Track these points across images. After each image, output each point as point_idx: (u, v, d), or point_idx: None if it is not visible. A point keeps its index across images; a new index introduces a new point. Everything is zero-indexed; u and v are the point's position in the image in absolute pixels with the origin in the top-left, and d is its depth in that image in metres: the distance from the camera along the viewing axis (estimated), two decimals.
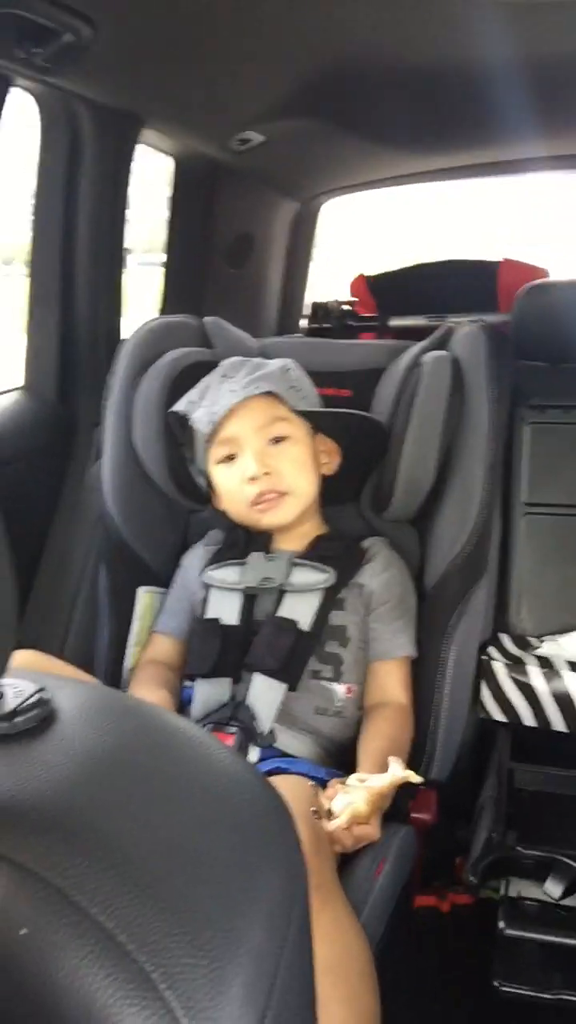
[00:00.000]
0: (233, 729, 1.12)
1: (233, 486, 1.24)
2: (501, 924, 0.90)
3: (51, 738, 0.47)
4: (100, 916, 0.38)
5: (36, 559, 1.53)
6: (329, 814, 0.96)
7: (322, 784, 1.04)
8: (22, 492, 1.51)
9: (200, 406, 1.25)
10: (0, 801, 0.42)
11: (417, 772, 1.17)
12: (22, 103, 1.38)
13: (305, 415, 1.26)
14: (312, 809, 0.95)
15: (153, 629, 1.33)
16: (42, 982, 0.37)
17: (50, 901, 0.38)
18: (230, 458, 1.24)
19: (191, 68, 1.35)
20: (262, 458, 1.21)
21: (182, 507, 1.41)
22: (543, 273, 1.94)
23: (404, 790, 1.12)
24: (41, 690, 0.50)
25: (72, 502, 1.56)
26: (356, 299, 2.03)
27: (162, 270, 1.94)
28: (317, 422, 1.28)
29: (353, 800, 0.94)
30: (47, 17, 1.01)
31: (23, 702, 0.49)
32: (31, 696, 0.50)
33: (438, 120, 1.85)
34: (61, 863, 0.39)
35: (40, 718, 0.49)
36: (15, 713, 0.48)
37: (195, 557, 1.34)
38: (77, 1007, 0.37)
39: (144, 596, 1.36)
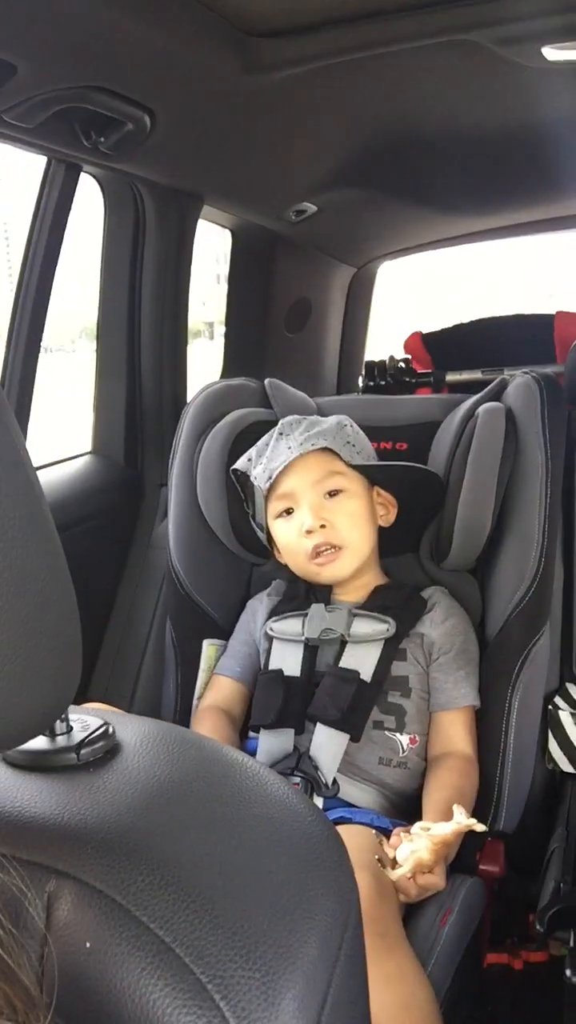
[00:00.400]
0: (296, 779, 1.14)
1: (292, 539, 1.27)
2: (568, 972, 0.88)
3: (115, 768, 0.50)
4: (159, 930, 0.40)
5: (106, 615, 1.58)
6: (393, 863, 0.96)
7: (386, 834, 1.04)
8: (92, 550, 1.57)
9: (259, 463, 1.29)
10: (68, 825, 0.45)
11: (484, 823, 1.17)
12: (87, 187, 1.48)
13: (361, 469, 1.29)
14: (376, 858, 0.95)
15: (215, 671, 1.35)
16: (104, 991, 0.40)
17: (113, 916, 0.41)
18: (288, 512, 1.28)
19: (246, 148, 1.43)
20: (318, 511, 1.24)
21: (245, 562, 1.45)
22: None
23: (471, 842, 1.12)
24: (106, 724, 0.54)
25: (140, 560, 1.62)
26: (410, 356, 2.07)
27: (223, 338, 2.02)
28: (373, 475, 1.31)
29: (417, 848, 0.94)
30: (109, 109, 1.09)
31: (89, 735, 0.52)
32: (96, 730, 0.53)
33: (488, 182, 1.91)
34: (123, 881, 0.42)
35: (105, 750, 0.52)
36: (82, 745, 0.52)
37: (259, 604, 1.36)
38: (136, 1014, 0.39)
39: (209, 648, 1.39)
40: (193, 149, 1.37)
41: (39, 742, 0.52)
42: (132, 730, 0.55)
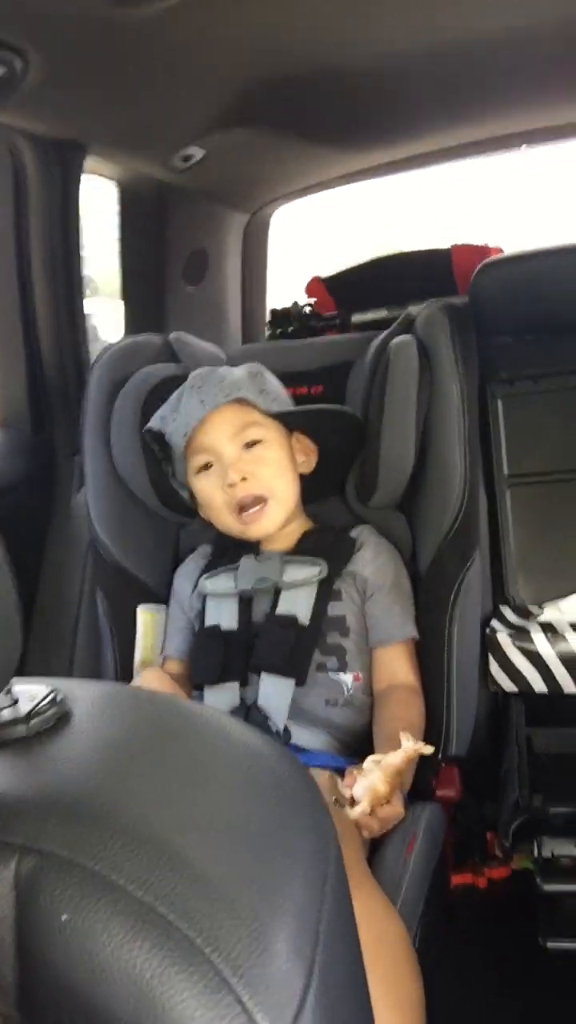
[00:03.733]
0: None
1: (214, 495, 1.24)
2: (539, 881, 0.90)
3: (69, 734, 0.48)
4: (138, 892, 0.38)
5: (32, 592, 1.53)
6: (351, 801, 0.97)
7: (341, 774, 1.04)
8: (8, 526, 1.51)
9: (173, 420, 1.26)
10: (27, 798, 0.43)
11: (436, 751, 1.18)
12: None
13: (277, 416, 1.27)
14: (333, 799, 0.95)
15: (163, 655, 1.33)
16: (87, 962, 0.38)
17: (87, 884, 0.39)
18: (207, 467, 1.25)
19: (127, 90, 1.37)
20: (238, 464, 1.22)
21: (171, 523, 1.41)
22: (496, 252, 1.97)
23: (426, 769, 1.13)
24: (53, 691, 0.51)
25: (61, 532, 1.57)
26: (314, 300, 2.05)
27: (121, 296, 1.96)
28: (290, 422, 1.29)
29: (371, 782, 0.94)
30: None
31: (36, 705, 0.50)
32: (44, 698, 0.50)
33: (379, 114, 1.88)
34: (94, 847, 0.40)
35: (55, 717, 0.49)
36: (30, 716, 0.49)
37: (186, 573, 1.34)
38: (124, 980, 0.37)
39: (144, 614, 1.36)
40: (72, 94, 1.30)
41: None
42: (81, 694, 0.52)
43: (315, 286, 2.13)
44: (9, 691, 0.50)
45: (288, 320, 1.95)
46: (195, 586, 1.30)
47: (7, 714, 0.49)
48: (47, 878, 0.39)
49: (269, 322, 2.01)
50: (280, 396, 1.32)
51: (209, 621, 1.24)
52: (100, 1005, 0.37)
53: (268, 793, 0.46)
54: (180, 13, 1.14)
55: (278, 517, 1.24)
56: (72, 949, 0.38)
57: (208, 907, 0.38)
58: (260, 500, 1.22)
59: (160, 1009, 0.36)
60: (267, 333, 2.02)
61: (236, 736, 0.50)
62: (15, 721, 0.48)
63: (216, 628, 1.23)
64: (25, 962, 0.39)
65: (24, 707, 0.50)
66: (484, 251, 1.97)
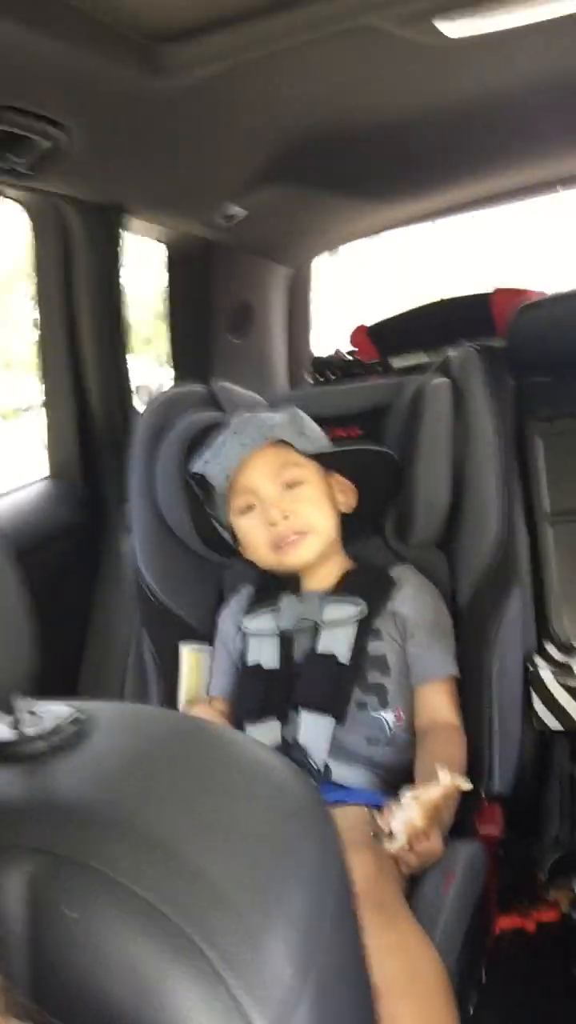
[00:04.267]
0: None
1: (255, 533, 1.27)
2: (572, 913, 0.89)
3: (86, 749, 0.51)
4: (144, 893, 0.41)
5: (82, 636, 1.58)
6: (390, 836, 0.97)
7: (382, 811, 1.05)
8: (60, 574, 1.56)
9: (215, 462, 1.30)
10: (43, 806, 0.46)
11: (478, 788, 1.17)
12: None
13: (315, 457, 1.30)
14: (372, 833, 0.95)
15: (209, 694, 1.35)
16: (93, 957, 0.40)
17: (95, 885, 0.41)
18: (249, 508, 1.28)
19: (164, 155, 1.45)
20: (279, 503, 1.25)
21: (214, 564, 1.45)
22: (536, 295, 1.99)
23: (468, 807, 1.13)
24: (75, 711, 0.54)
25: (110, 577, 1.61)
26: (356, 349, 2.09)
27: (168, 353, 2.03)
28: (328, 462, 1.32)
29: (409, 816, 0.94)
30: (19, 127, 1.10)
31: (57, 722, 0.53)
32: (66, 717, 0.53)
33: (411, 166, 1.93)
34: (103, 851, 0.42)
35: (75, 735, 0.52)
36: (53, 732, 0.52)
37: (229, 613, 1.37)
38: (128, 974, 0.39)
39: (187, 653, 1.38)
40: (112, 161, 1.38)
41: (8, 734, 0.52)
42: (102, 713, 0.55)
43: (359, 334, 2.18)
44: (34, 711, 0.53)
45: (330, 367, 2.00)
46: (238, 626, 1.33)
47: (31, 731, 0.52)
48: (59, 879, 0.42)
49: (311, 372, 2.06)
50: (318, 438, 1.35)
51: (251, 660, 1.27)
52: (105, 996, 0.39)
53: (273, 803, 0.48)
54: (209, 82, 1.21)
55: (315, 548, 1.26)
56: (80, 944, 0.40)
57: (206, 906, 0.40)
58: (300, 534, 1.25)
59: (159, 999, 0.38)
60: (309, 381, 2.06)
61: (245, 750, 0.52)
62: (38, 737, 0.51)
63: (258, 666, 1.25)
64: (37, 956, 0.41)
65: (48, 724, 0.52)
66: (524, 294, 2.00)
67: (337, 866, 0.47)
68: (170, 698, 1.37)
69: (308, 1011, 0.40)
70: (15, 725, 0.52)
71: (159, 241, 1.91)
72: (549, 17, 1.19)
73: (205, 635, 1.40)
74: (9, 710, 0.51)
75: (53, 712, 0.54)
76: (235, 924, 0.40)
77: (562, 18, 1.20)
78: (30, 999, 0.41)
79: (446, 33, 1.21)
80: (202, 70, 1.16)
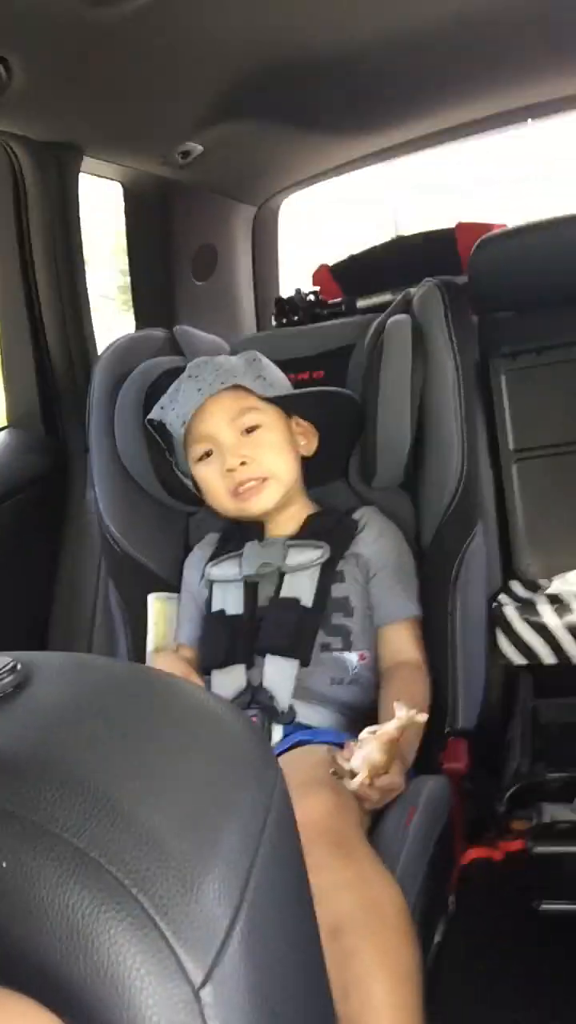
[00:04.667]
0: (254, 711, 1.15)
1: (214, 481, 1.26)
2: (530, 843, 0.91)
3: (23, 699, 0.50)
4: (73, 839, 0.40)
5: (50, 587, 1.57)
6: (351, 774, 0.98)
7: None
8: (25, 525, 1.55)
9: (172, 409, 1.28)
10: None
11: (443, 724, 1.19)
12: None
13: (275, 401, 1.29)
14: (332, 771, 0.96)
15: (176, 642, 1.35)
16: (24, 906, 0.40)
17: (25, 834, 0.41)
18: (208, 454, 1.27)
19: (118, 89, 1.39)
20: (237, 449, 1.24)
21: (179, 512, 1.44)
22: (500, 227, 1.95)
23: (433, 742, 1.14)
24: (13, 661, 0.53)
25: (75, 528, 1.60)
26: (319, 288, 2.05)
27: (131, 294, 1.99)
28: (288, 406, 1.31)
29: (368, 752, 0.95)
30: None
31: None
32: (3, 667, 0.53)
33: (374, 97, 1.88)
34: (32, 799, 0.42)
35: (13, 684, 0.52)
36: None
37: (194, 563, 1.37)
38: (58, 921, 0.39)
39: (156, 603, 1.38)
40: (60, 96, 1.32)
41: None
42: (43, 663, 0.54)
43: (321, 274, 2.14)
44: None
45: (294, 308, 1.97)
46: (203, 574, 1.33)
47: None
48: None
49: (274, 312, 2.02)
50: (278, 382, 1.33)
51: (215, 607, 1.27)
52: (35, 946, 0.39)
53: (215, 749, 0.48)
54: (160, 9, 1.16)
55: (275, 494, 1.25)
56: (11, 894, 0.40)
57: (138, 851, 0.40)
58: (259, 480, 1.24)
59: (92, 945, 0.38)
60: (272, 323, 2.03)
61: (189, 698, 0.52)
62: None
63: (222, 613, 1.25)
64: None
65: None
66: (488, 228, 1.96)
67: (276, 807, 0.47)
68: (138, 648, 1.38)
69: (239, 950, 0.40)
70: None
71: (113, 180, 1.85)
72: None
73: (172, 584, 1.40)
74: None
75: None
76: (168, 869, 0.40)
77: None
78: None
79: None
80: None
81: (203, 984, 0.38)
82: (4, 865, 0.41)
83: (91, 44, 1.23)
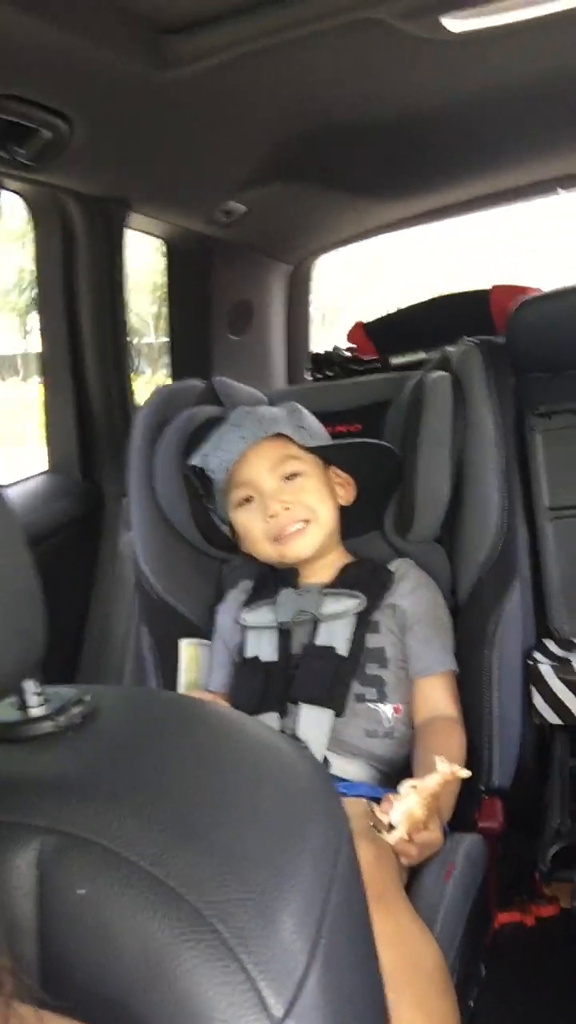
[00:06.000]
0: None
1: (254, 526, 1.27)
2: (573, 905, 0.89)
3: (94, 729, 0.50)
4: (150, 867, 0.40)
5: (80, 631, 1.57)
6: (389, 827, 0.96)
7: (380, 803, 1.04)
8: (58, 568, 1.56)
9: (214, 456, 1.30)
10: (49, 784, 0.45)
11: (479, 782, 1.18)
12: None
13: (315, 450, 1.30)
14: (371, 824, 0.95)
15: (207, 688, 1.35)
16: (102, 934, 0.40)
17: (102, 862, 0.41)
18: (248, 500, 1.28)
19: (167, 149, 1.45)
20: (278, 495, 1.25)
21: (213, 559, 1.45)
22: (534, 291, 1.99)
23: (469, 801, 1.13)
24: (80, 693, 0.54)
25: (108, 572, 1.61)
26: (354, 346, 2.09)
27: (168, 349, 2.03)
28: (328, 456, 1.32)
29: (407, 806, 0.94)
30: (23, 117, 1.10)
31: (64, 703, 0.52)
32: (71, 699, 0.53)
33: (411, 164, 1.93)
34: (109, 826, 0.42)
35: (82, 715, 0.52)
36: (59, 712, 0.51)
37: (227, 607, 1.37)
38: (136, 950, 0.39)
39: (187, 648, 1.38)
40: (114, 154, 1.37)
41: (15, 715, 0.52)
42: (108, 696, 0.55)
43: (357, 331, 2.17)
44: (40, 692, 0.53)
45: (328, 364, 2.00)
46: (236, 620, 1.33)
47: (36, 712, 0.52)
48: (66, 856, 0.42)
49: (309, 368, 2.05)
50: (318, 432, 1.35)
51: (249, 653, 1.26)
52: (115, 976, 0.39)
53: (280, 781, 0.48)
54: (213, 74, 1.21)
55: (316, 538, 1.26)
56: (88, 921, 0.40)
57: (216, 881, 0.40)
58: (302, 523, 1.25)
59: (170, 975, 0.38)
60: (308, 378, 2.06)
61: (253, 731, 0.52)
62: (45, 717, 0.51)
63: (256, 660, 1.25)
64: (46, 937, 0.41)
65: (53, 706, 0.52)
66: (523, 291, 2.00)
67: (345, 843, 0.47)
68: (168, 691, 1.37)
69: (317, 985, 0.39)
70: (21, 706, 0.52)
71: (158, 236, 1.91)
72: (552, 12, 1.19)
73: (203, 630, 1.40)
74: (18, 692, 0.50)
75: (59, 694, 0.54)
76: (247, 900, 0.40)
77: (565, 13, 1.20)
78: (38, 981, 0.41)
79: (449, 28, 1.21)
80: (207, 62, 1.16)
81: (284, 1019, 0.37)
82: (82, 892, 0.41)
83: (148, 105, 1.28)
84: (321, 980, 0.39)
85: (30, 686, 0.52)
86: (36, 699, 0.53)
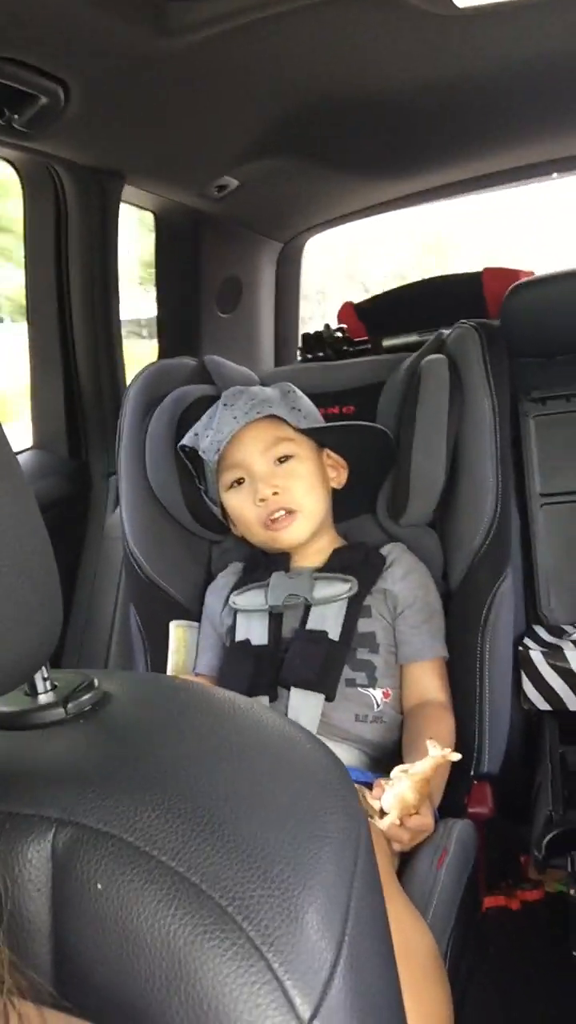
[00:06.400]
0: None
1: (245, 509, 1.26)
2: (573, 892, 0.89)
3: (106, 716, 0.49)
4: (171, 862, 0.39)
5: (66, 610, 1.55)
6: (380, 813, 0.96)
7: (370, 788, 1.04)
8: None
9: (206, 436, 1.28)
10: (64, 774, 0.44)
11: (469, 768, 1.18)
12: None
13: (308, 432, 1.29)
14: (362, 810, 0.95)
15: (194, 671, 1.34)
16: (122, 929, 0.38)
17: (122, 855, 0.40)
18: (239, 482, 1.26)
19: (164, 120, 1.41)
20: (269, 479, 1.23)
21: (203, 540, 1.43)
22: (528, 275, 1.98)
23: (459, 786, 1.13)
24: (89, 678, 0.52)
25: (95, 552, 1.59)
26: (345, 326, 2.07)
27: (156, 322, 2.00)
28: (321, 438, 1.31)
29: (399, 791, 0.94)
30: (21, 82, 1.06)
31: (73, 690, 0.51)
32: (80, 684, 0.52)
33: (409, 143, 1.91)
34: (128, 819, 0.41)
35: (92, 702, 0.50)
36: (68, 699, 0.50)
37: (217, 590, 1.35)
38: (158, 946, 0.38)
39: (177, 630, 1.37)
40: (111, 123, 1.34)
41: (23, 702, 0.50)
42: (117, 681, 0.53)
43: (347, 311, 2.15)
44: (48, 677, 0.52)
45: (320, 344, 1.98)
46: (226, 602, 1.31)
47: (45, 698, 0.50)
48: (83, 849, 0.40)
49: (301, 347, 2.03)
50: (311, 414, 1.33)
51: (239, 636, 1.25)
52: (135, 973, 0.38)
53: (300, 774, 0.47)
54: (214, 44, 1.18)
55: (305, 528, 1.25)
56: (106, 918, 0.39)
57: (240, 877, 0.39)
58: (289, 513, 1.23)
59: (193, 975, 0.37)
60: (299, 358, 2.04)
61: (268, 721, 0.50)
62: (54, 704, 0.50)
63: (246, 643, 1.23)
64: (61, 934, 0.40)
65: (62, 692, 0.51)
66: (515, 275, 1.99)
67: (364, 838, 0.46)
68: (156, 672, 1.36)
69: (343, 985, 0.38)
70: (31, 692, 0.50)
71: (147, 209, 1.87)
72: None
73: (193, 612, 1.39)
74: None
75: (65, 678, 0.53)
76: (270, 896, 0.39)
77: None
78: (51, 981, 0.39)
79: (456, 3, 1.19)
80: (209, 30, 1.13)
81: (311, 1020, 0.36)
82: (100, 887, 0.39)
83: (147, 74, 1.24)
84: (346, 979, 0.39)
85: (40, 671, 0.50)
86: (43, 684, 0.51)
